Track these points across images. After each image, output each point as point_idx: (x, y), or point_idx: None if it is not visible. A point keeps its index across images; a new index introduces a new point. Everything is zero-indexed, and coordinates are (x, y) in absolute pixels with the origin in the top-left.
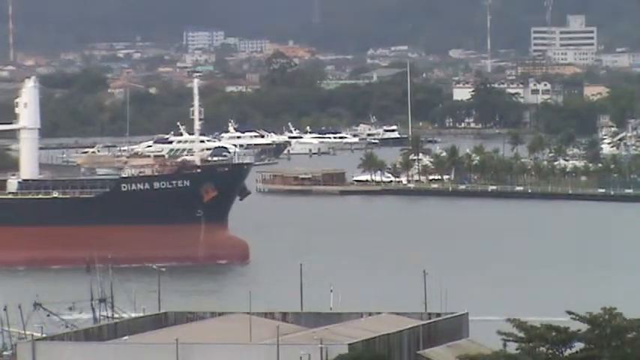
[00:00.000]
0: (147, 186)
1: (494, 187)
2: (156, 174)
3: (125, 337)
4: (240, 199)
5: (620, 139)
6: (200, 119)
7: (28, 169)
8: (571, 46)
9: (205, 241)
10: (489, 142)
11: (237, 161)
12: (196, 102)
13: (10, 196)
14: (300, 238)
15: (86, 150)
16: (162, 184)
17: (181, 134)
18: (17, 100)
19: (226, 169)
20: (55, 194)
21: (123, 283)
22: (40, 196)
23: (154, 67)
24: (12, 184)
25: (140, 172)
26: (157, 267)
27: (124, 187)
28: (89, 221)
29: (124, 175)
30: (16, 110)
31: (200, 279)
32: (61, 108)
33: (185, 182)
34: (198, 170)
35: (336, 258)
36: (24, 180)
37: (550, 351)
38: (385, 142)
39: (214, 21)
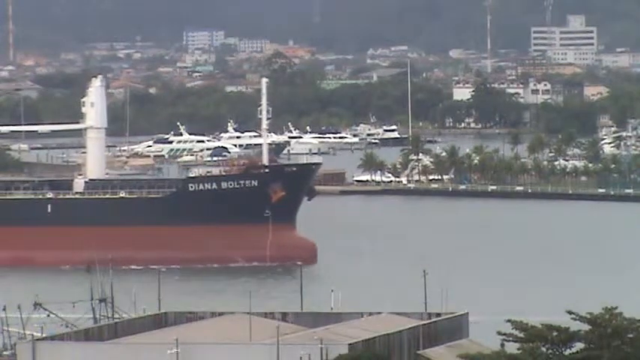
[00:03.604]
0: (214, 186)
1: (494, 187)
2: (223, 174)
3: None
4: (308, 200)
5: (620, 139)
6: (268, 118)
7: (95, 169)
8: (571, 46)
9: (273, 242)
10: (489, 142)
11: (305, 161)
12: (264, 101)
13: (76, 196)
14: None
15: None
16: (230, 184)
17: (181, 134)
18: (84, 99)
19: (294, 169)
20: (122, 194)
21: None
22: (106, 196)
23: (154, 67)
24: (79, 183)
25: (207, 172)
26: (158, 267)
27: (192, 186)
28: (156, 221)
29: (191, 175)
30: (83, 110)
31: (268, 279)
32: (61, 108)
33: (253, 182)
34: (266, 170)
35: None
36: (90, 180)
37: (550, 351)
38: (385, 142)
39: (214, 21)
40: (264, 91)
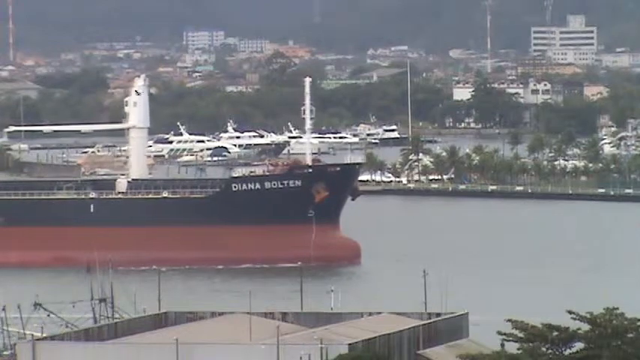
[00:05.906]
0: (258, 186)
1: (494, 187)
2: (267, 174)
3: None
4: (352, 200)
5: (620, 139)
6: (311, 118)
7: (138, 169)
8: (571, 46)
9: (317, 242)
10: (489, 142)
11: (348, 161)
12: (307, 101)
13: (119, 196)
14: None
15: (86, 150)
16: (274, 184)
17: (181, 134)
18: (126, 99)
19: (338, 168)
20: (165, 194)
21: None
22: (149, 196)
23: (154, 67)
24: (121, 183)
25: (251, 172)
26: (157, 267)
27: (235, 187)
28: (199, 221)
29: (234, 175)
30: (125, 109)
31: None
32: (61, 108)
33: (296, 182)
34: (310, 170)
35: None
36: (133, 180)
37: (550, 351)
38: (385, 142)
39: (214, 21)
40: (307, 90)
